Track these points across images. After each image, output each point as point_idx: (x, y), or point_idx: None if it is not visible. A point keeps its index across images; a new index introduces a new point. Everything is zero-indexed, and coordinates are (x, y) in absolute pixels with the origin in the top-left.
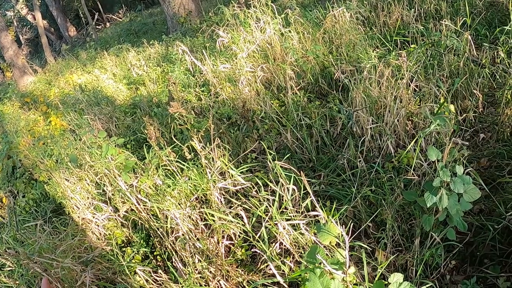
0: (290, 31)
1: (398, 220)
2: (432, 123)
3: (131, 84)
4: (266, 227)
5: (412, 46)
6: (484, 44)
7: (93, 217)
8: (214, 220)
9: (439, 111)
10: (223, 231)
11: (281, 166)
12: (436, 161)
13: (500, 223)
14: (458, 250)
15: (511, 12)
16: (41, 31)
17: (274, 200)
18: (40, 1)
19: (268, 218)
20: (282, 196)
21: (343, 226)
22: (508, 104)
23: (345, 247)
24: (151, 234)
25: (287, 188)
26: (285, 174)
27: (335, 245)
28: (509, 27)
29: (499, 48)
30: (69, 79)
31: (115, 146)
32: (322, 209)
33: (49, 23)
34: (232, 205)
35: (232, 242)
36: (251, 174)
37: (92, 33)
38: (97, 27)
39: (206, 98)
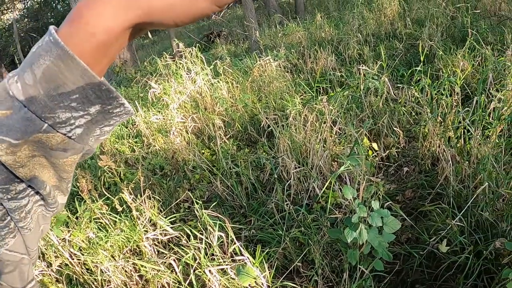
0: (219, 81)
1: (327, 257)
2: (344, 164)
3: None
4: (196, 275)
5: (338, 90)
6: (401, 84)
7: None
8: (146, 271)
9: (352, 152)
10: (157, 281)
11: (211, 214)
12: (352, 199)
13: (425, 249)
14: (389, 279)
15: (421, 55)
16: None
17: (202, 248)
18: None
19: (197, 265)
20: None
21: (271, 267)
22: (426, 137)
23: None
24: None
25: (213, 235)
26: (214, 222)
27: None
28: (420, 68)
29: (412, 87)
30: None
31: None
32: (250, 254)
33: None
34: (165, 255)
35: None
36: (184, 224)
37: None
38: None
39: (139, 149)
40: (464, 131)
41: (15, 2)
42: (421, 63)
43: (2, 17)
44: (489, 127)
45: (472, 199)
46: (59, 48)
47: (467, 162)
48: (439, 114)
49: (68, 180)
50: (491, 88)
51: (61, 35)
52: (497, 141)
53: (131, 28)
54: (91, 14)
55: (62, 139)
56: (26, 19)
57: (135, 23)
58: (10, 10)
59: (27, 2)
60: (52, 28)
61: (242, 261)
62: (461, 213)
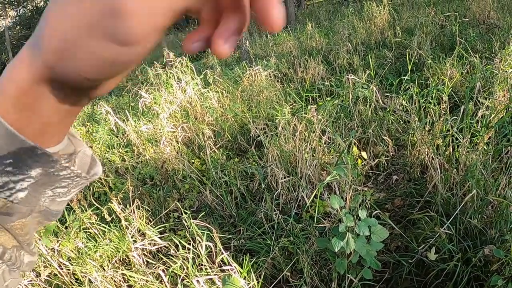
0: (209, 91)
1: (316, 266)
2: (330, 173)
3: None
4: (184, 285)
5: (328, 99)
6: (390, 92)
7: None
8: (135, 281)
9: (338, 162)
10: None
11: (199, 224)
12: (339, 208)
13: (413, 257)
14: (378, 287)
15: (409, 64)
16: None
17: (190, 257)
18: None
19: (185, 275)
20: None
21: (260, 277)
22: (414, 145)
23: None
24: None
25: (201, 245)
26: (202, 232)
27: None
28: (407, 77)
29: (400, 96)
30: None
31: None
32: (239, 263)
33: None
34: (153, 265)
35: None
36: (173, 234)
37: None
38: None
39: (129, 159)
40: (452, 139)
41: (7, 9)
42: (409, 72)
43: None
44: (477, 134)
45: (461, 206)
46: None
47: (455, 169)
48: (427, 123)
49: (28, 242)
50: (479, 96)
51: None
52: (485, 148)
53: (44, 83)
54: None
55: (4, 203)
56: (18, 27)
57: (39, 78)
58: (2, 18)
59: (19, 10)
60: None
61: (230, 270)
62: (449, 221)
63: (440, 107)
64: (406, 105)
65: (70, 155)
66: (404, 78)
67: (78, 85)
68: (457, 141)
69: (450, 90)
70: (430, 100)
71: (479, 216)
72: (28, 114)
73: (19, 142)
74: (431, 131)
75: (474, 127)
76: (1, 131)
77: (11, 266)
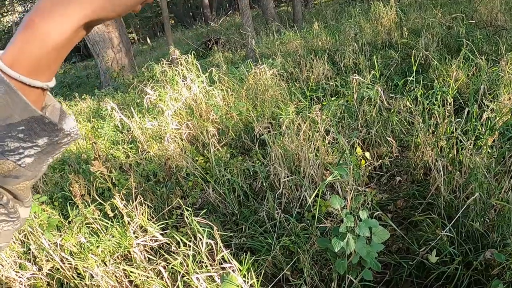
0: (214, 89)
1: (316, 266)
2: (332, 173)
3: None
4: (184, 282)
5: (333, 99)
6: (395, 93)
7: (17, 276)
8: (136, 276)
9: (340, 162)
10: (147, 287)
11: (201, 221)
12: (340, 208)
13: (414, 259)
14: None
15: (414, 65)
16: None
17: (191, 254)
18: None
19: (185, 272)
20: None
21: (260, 275)
22: (418, 147)
23: None
24: None
25: (202, 242)
26: (203, 229)
27: None
28: (413, 78)
29: (405, 97)
30: None
31: (42, 203)
32: (239, 261)
33: None
34: (155, 261)
35: None
36: (175, 231)
37: None
38: None
39: (133, 155)
40: (456, 141)
41: (14, 4)
42: (414, 73)
43: (1, 19)
44: (481, 137)
45: (463, 209)
46: (5, 85)
47: (458, 172)
48: (431, 124)
49: (23, 197)
50: (484, 98)
51: (15, 46)
52: (489, 151)
53: (81, 28)
54: (44, 22)
55: (14, 167)
56: None
57: (84, 23)
58: (10, 13)
59: (27, 5)
60: None
61: (230, 268)
62: (451, 224)
63: (444, 109)
64: (410, 106)
65: (42, 108)
66: (409, 79)
67: (109, 20)
68: (461, 144)
69: (455, 92)
70: (435, 102)
71: (481, 219)
72: (53, 59)
73: (31, 112)
74: (435, 133)
75: (478, 129)
76: (19, 102)
77: (12, 215)
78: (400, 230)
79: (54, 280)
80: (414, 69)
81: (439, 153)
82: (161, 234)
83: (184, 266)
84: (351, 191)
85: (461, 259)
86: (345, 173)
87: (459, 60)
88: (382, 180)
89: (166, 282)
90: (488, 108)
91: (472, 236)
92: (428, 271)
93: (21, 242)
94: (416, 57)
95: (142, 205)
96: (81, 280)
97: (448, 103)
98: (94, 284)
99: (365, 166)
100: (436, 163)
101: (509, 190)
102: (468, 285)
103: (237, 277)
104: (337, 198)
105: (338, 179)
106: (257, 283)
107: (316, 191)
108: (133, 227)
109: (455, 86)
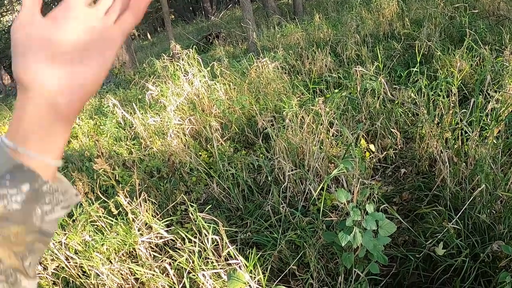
0: (216, 83)
1: (322, 260)
2: (337, 166)
3: None
4: (190, 278)
5: (336, 91)
6: (398, 84)
7: None
8: (142, 274)
9: (345, 155)
10: (153, 284)
11: (206, 217)
12: (346, 202)
13: (421, 252)
14: (385, 282)
15: (417, 56)
16: None
17: (196, 251)
18: None
19: (191, 269)
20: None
21: (267, 270)
22: (423, 138)
23: None
24: None
25: (207, 238)
26: (209, 225)
27: None
28: (416, 68)
29: (409, 88)
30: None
31: None
32: (245, 257)
33: None
34: (160, 258)
35: None
36: (180, 227)
37: None
38: None
39: (136, 152)
40: (461, 132)
41: (14, 4)
42: (418, 64)
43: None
44: (487, 128)
45: (469, 201)
46: None
47: (464, 163)
48: (436, 115)
49: (22, 255)
50: (488, 89)
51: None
52: (495, 142)
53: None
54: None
55: (3, 210)
56: None
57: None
58: (9, 12)
59: None
60: None
61: (236, 264)
62: (457, 216)
63: (449, 100)
64: (414, 97)
65: None
66: (412, 70)
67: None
68: (466, 135)
69: (459, 82)
70: (439, 93)
71: (488, 211)
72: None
73: (13, 161)
74: (440, 124)
75: (483, 120)
76: (1, 155)
77: (11, 286)
78: (406, 222)
79: (60, 279)
80: (418, 59)
81: (444, 144)
82: (166, 231)
83: (190, 262)
84: (357, 184)
85: (468, 251)
86: (351, 166)
87: (462, 50)
88: (387, 172)
89: (172, 279)
90: (493, 99)
91: (479, 228)
92: (435, 264)
93: None
94: (419, 47)
95: (146, 202)
96: (86, 278)
97: (453, 94)
98: (99, 283)
99: (370, 158)
100: (442, 154)
101: None
102: (476, 277)
103: (244, 274)
104: (343, 192)
105: (344, 172)
106: (264, 279)
107: (321, 185)
108: (138, 224)
109: (459, 76)
